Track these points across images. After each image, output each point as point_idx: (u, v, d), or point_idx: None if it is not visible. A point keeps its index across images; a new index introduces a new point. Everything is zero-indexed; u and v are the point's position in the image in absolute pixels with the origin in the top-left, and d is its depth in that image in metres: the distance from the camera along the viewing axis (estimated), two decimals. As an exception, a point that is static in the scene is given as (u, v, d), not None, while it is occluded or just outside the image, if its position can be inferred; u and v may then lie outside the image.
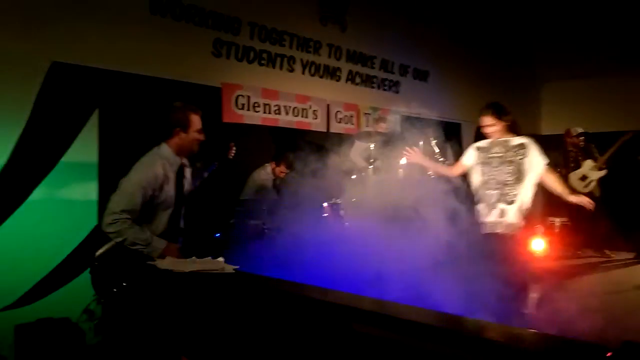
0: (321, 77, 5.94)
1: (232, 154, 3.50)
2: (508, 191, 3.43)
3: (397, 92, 6.97)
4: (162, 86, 4.38)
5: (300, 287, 1.89)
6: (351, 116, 6.25)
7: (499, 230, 3.44)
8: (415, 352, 1.42)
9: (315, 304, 1.61)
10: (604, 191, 6.21)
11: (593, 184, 6.23)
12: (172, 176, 2.86)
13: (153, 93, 4.29)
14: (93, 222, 3.85)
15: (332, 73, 6.07)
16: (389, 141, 5.73)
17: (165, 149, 2.88)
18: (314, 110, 5.77)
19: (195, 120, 2.92)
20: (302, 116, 5.65)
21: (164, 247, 2.70)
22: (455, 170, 3.80)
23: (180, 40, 4.62)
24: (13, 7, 3.62)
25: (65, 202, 3.83)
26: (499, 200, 3.46)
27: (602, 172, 6.20)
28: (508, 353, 1.28)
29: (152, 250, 2.65)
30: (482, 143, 3.65)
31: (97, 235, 3.87)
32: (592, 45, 7.88)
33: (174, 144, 2.89)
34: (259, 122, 5.24)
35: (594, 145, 6.49)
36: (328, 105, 5.97)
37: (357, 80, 6.40)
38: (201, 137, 2.96)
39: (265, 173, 5.17)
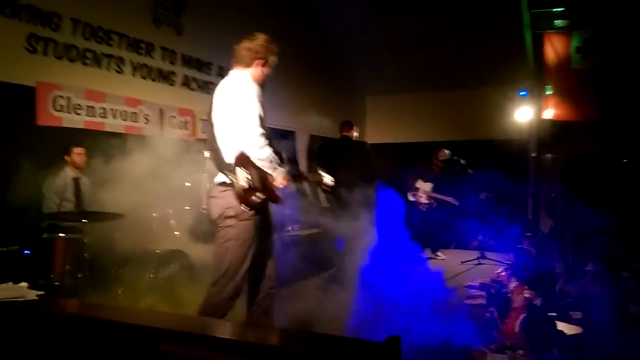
0: (154, 80, 5.77)
1: None
2: None
3: (234, 98, 7.06)
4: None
5: (110, 309, 1.86)
6: (186, 122, 6.18)
7: None
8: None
9: (120, 327, 1.62)
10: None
11: None
12: None
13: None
14: None
15: (166, 77, 5.93)
16: None
17: None
18: (146, 115, 5.58)
19: None
20: (132, 120, 5.42)
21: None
22: None
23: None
24: None
25: None
26: None
27: None
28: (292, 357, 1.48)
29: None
30: None
31: None
32: (407, 65, 8.95)
33: None
34: (82, 126, 4.89)
35: None
36: (161, 110, 5.83)
37: (193, 85, 6.35)
38: None
39: (62, 177, 4.39)
